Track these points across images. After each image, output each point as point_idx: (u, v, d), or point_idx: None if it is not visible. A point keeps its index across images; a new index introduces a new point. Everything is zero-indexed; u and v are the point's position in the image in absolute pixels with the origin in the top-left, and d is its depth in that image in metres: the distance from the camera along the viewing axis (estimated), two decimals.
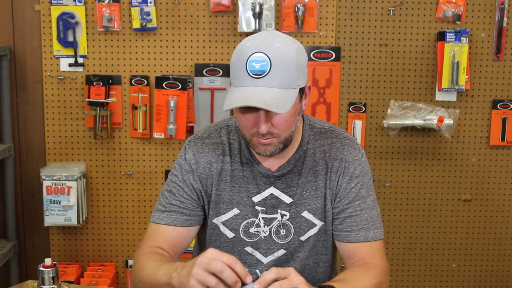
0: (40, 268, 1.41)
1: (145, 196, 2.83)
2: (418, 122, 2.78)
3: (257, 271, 1.59)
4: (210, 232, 1.60)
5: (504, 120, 2.86)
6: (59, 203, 2.68)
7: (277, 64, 1.37)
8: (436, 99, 2.83)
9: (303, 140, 1.57)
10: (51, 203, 2.68)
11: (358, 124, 2.82)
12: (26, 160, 2.83)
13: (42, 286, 1.41)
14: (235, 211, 1.56)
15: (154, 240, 1.55)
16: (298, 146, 1.56)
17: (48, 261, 1.42)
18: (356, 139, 1.63)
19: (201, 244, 1.68)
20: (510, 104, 2.85)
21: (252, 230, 1.57)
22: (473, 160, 2.90)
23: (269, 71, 1.36)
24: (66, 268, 2.75)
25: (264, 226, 1.57)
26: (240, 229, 1.57)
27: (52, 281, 1.41)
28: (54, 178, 2.67)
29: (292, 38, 1.46)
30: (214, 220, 1.58)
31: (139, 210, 2.85)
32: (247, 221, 1.57)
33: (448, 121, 2.75)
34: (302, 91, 1.46)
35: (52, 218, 2.68)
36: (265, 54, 1.37)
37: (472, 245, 2.98)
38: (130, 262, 2.85)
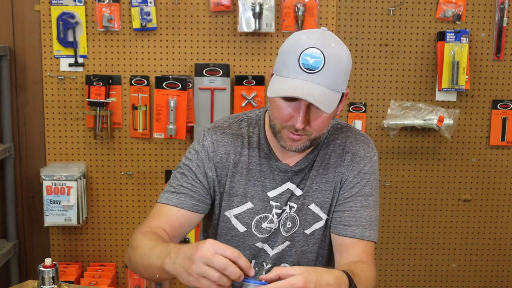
0: (40, 268, 1.41)
1: (145, 196, 2.83)
2: (418, 122, 2.78)
3: (264, 263, 1.59)
4: (222, 225, 1.58)
5: (504, 120, 2.86)
6: (59, 203, 2.68)
7: (330, 63, 1.37)
8: (436, 99, 2.83)
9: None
10: (51, 203, 2.67)
11: (358, 124, 2.82)
12: (26, 160, 2.83)
13: (42, 286, 1.41)
14: (249, 205, 1.55)
15: (157, 219, 1.51)
16: None
17: (48, 261, 1.41)
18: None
19: (211, 237, 1.62)
20: (510, 104, 2.85)
21: (264, 225, 1.56)
22: (473, 160, 2.90)
23: (321, 69, 1.36)
24: (66, 268, 2.75)
25: (276, 221, 1.56)
26: (253, 224, 1.56)
27: (52, 281, 1.41)
28: (54, 178, 2.67)
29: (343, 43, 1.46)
30: (226, 213, 1.57)
31: (139, 210, 2.85)
32: (260, 215, 1.56)
33: (448, 121, 2.75)
34: (341, 96, 1.45)
35: (52, 218, 2.68)
36: (321, 51, 1.36)
37: (472, 245, 2.98)
38: None
